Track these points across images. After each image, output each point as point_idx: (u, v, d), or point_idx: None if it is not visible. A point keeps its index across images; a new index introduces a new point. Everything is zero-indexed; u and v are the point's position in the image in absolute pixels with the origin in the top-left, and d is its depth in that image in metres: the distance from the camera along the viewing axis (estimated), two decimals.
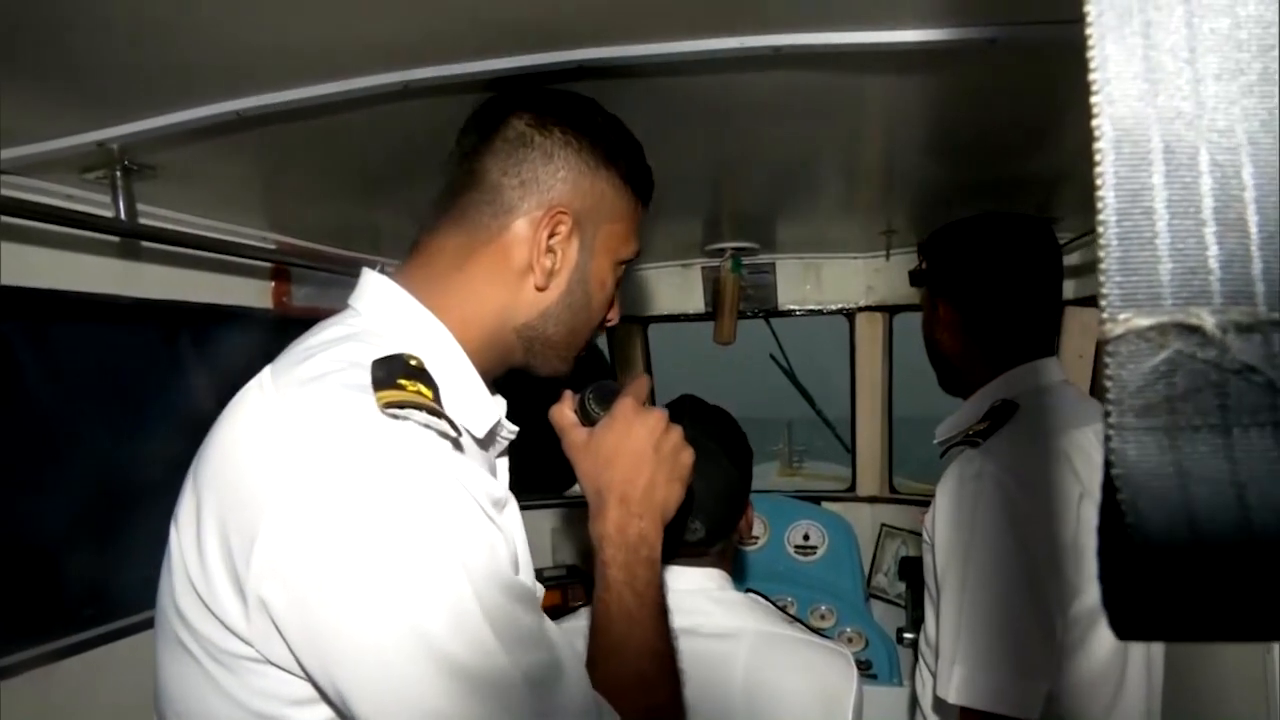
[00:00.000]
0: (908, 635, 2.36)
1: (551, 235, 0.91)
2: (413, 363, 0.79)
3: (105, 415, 1.67)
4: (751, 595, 1.40)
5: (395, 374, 0.76)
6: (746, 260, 2.63)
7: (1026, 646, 1.28)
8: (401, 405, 0.72)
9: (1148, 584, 0.25)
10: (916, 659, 1.56)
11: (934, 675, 1.38)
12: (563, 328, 0.96)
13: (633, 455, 0.97)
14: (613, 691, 0.84)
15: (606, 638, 0.91)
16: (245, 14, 0.84)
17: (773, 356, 3.36)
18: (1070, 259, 2.16)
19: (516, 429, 0.99)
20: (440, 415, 0.74)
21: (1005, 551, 1.29)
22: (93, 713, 1.43)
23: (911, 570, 2.57)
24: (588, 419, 1.04)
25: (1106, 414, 0.25)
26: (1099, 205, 0.26)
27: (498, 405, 0.93)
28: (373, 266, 0.93)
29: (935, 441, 1.59)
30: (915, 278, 2.49)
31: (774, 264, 2.77)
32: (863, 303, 2.82)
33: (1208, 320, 0.24)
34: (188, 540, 0.76)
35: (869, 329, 2.84)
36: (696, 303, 2.87)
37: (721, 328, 2.66)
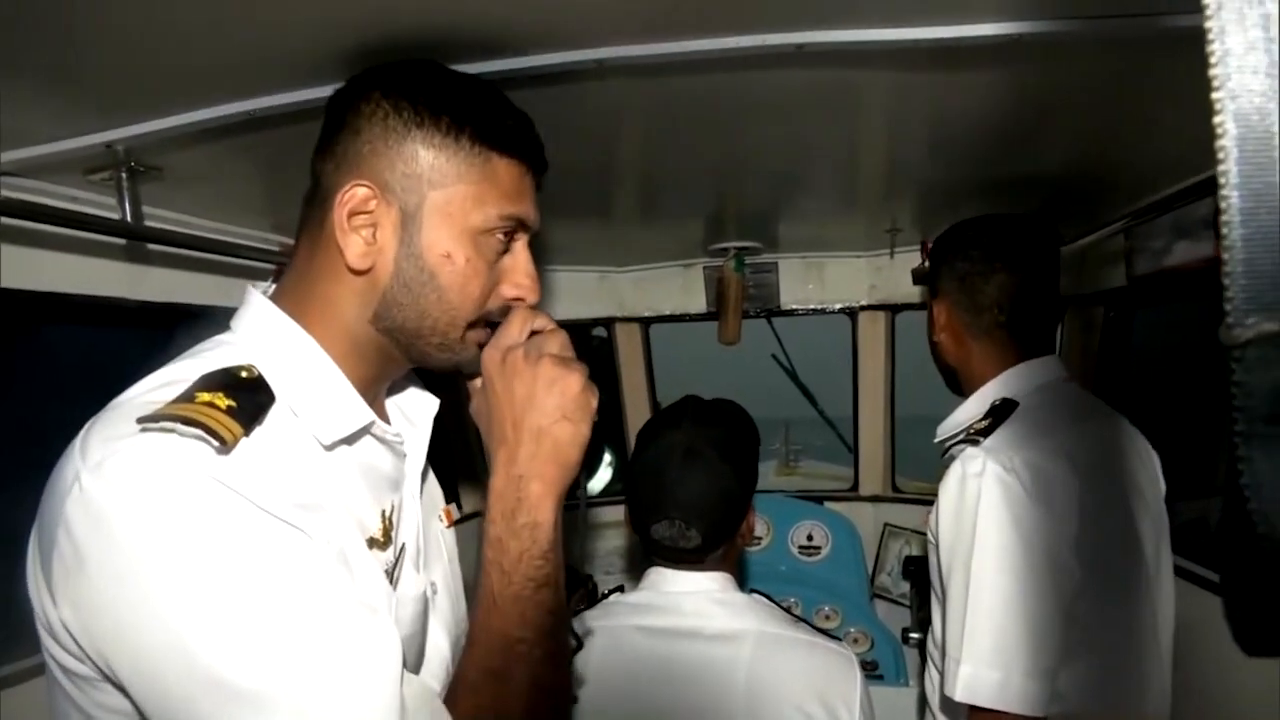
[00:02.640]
0: (913, 635, 2.36)
1: (357, 213, 0.83)
2: (243, 374, 0.78)
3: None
4: (755, 596, 1.40)
5: (201, 388, 0.74)
6: (749, 260, 2.63)
7: (1032, 643, 1.28)
8: (156, 418, 0.70)
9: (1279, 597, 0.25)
10: (925, 660, 1.55)
11: (942, 675, 1.37)
12: (411, 312, 0.86)
13: (505, 405, 0.87)
14: (461, 688, 0.82)
15: (470, 630, 0.85)
16: (254, 14, 0.83)
17: (774, 356, 3.35)
18: (1074, 256, 2.16)
19: (401, 432, 0.94)
20: (202, 425, 0.70)
21: (1008, 548, 1.30)
22: None
23: (916, 570, 2.57)
24: None
25: (1233, 420, 0.24)
26: (1222, 206, 0.24)
27: (363, 413, 0.87)
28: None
29: (936, 441, 1.59)
30: (918, 276, 2.49)
31: (776, 263, 2.77)
32: (865, 302, 2.81)
33: None
34: (31, 569, 0.76)
35: (872, 328, 2.84)
36: (699, 303, 2.86)
37: (726, 328, 2.65)
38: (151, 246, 1.51)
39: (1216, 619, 1.74)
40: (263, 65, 0.96)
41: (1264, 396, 0.23)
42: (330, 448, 0.85)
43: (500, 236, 0.88)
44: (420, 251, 0.85)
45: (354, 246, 0.83)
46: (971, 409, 1.53)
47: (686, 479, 1.31)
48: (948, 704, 1.35)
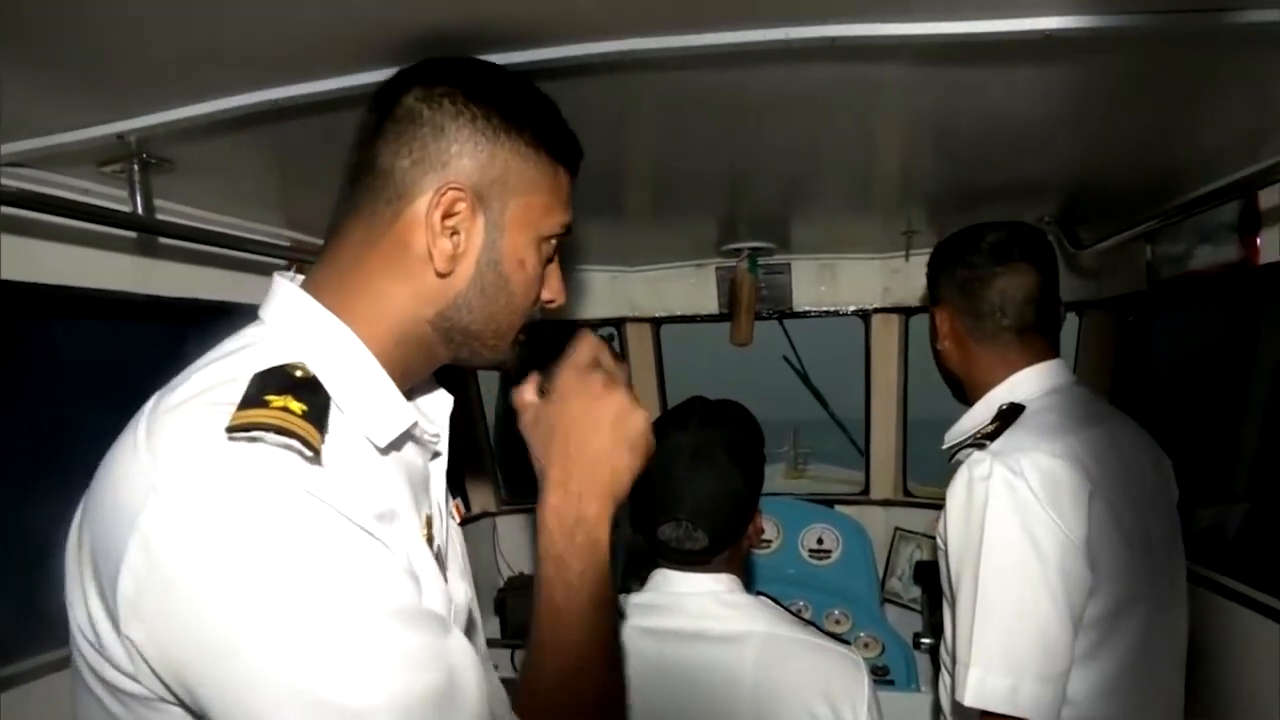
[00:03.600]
0: (924, 640, 2.34)
1: (448, 216, 0.83)
2: (297, 374, 0.75)
3: (121, 416, 1.64)
4: (762, 598, 1.39)
5: (267, 389, 0.72)
6: (762, 260, 2.62)
7: (1041, 648, 1.26)
8: (249, 428, 0.68)
9: None
10: (938, 666, 1.54)
11: (953, 680, 1.36)
12: (479, 315, 0.87)
13: (572, 426, 0.89)
14: (538, 704, 0.81)
15: (535, 638, 0.85)
16: (268, 3, 0.81)
17: (786, 358, 3.34)
18: (1093, 259, 2.14)
19: (439, 432, 0.94)
20: (294, 434, 0.69)
21: (1017, 553, 1.28)
22: None
23: (927, 575, 2.55)
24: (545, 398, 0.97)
25: None
26: None
27: (409, 412, 0.86)
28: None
29: (944, 447, 1.58)
30: None
31: (789, 264, 2.75)
32: (879, 304, 2.79)
33: None
34: (72, 579, 0.73)
35: (885, 330, 2.82)
36: (710, 303, 2.84)
37: (739, 329, 2.64)
38: (162, 240, 1.50)
39: (1230, 625, 1.72)
40: (278, 55, 0.95)
41: None
42: (384, 450, 0.84)
43: (553, 243, 0.91)
44: (500, 257, 0.86)
45: (444, 249, 0.83)
46: (979, 414, 1.52)
47: (695, 480, 1.30)
48: (960, 710, 1.33)
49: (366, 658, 0.66)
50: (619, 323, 2.97)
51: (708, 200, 2.00)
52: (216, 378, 0.74)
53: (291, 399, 0.72)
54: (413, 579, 0.76)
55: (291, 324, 0.83)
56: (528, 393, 0.95)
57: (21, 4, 0.78)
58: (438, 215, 0.82)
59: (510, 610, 2.65)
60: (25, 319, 1.49)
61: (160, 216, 1.39)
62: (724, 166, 1.64)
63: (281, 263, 1.70)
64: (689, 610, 1.32)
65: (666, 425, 1.38)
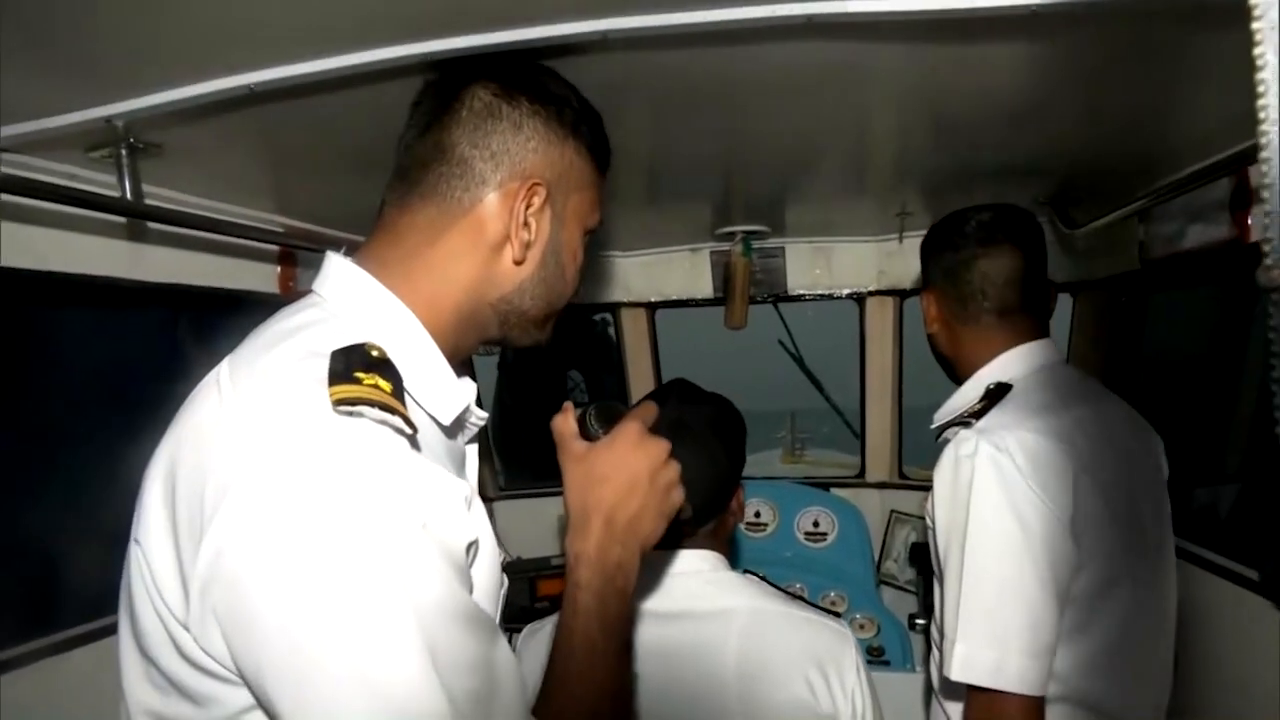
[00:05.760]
0: (919, 621, 2.36)
1: (527, 207, 0.89)
2: (374, 353, 0.77)
3: (112, 402, 1.65)
4: (747, 575, 1.41)
5: (353, 366, 0.73)
6: (756, 244, 2.61)
7: (1028, 623, 1.27)
8: (354, 402, 0.70)
9: None
10: (930, 646, 1.55)
11: (942, 656, 1.38)
12: (539, 301, 0.94)
13: (627, 479, 0.95)
14: None
15: (565, 667, 0.88)
16: None
17: (781, 342, 3.34)
18: (1087, 239, 2.14)
19: (485, 415, 0.97)
20: (395, 411, 0.71)
21: (1002, 529, 1.29)
22: (100, 705, 1.41)
23: (922, 556, 2.56)
24: (586, 434, 1.01)
25: (1270, 366, 0.23)
26: (1264, 169, 0.23)
27: (466, 391, 0.90)
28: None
29: (932, 427, 1.60)
30: None
31: (783, 248, 2.75)
32: (873, 287, 2.79)
33: None
34: (152, 545, 0.74)
35: (880, 313, 2.82)
36: (705, 287, 2.84)
37: (733, 312, 2.64)
38: (152, 225, 1.50)
39: (1220, 602, 1.73)
40: (265, 35, 0.95)
41: None
42: (450, 432, 0.88)
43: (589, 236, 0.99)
44: (560, 247, 0.94)
45: (523, 238, 0.89)
46: (967, 394, 1.53)
47: (676, 452, 1.31)
48: (949, 686, 1.35)
49: (429, 657, 0.67)
50: (614, 307, 2.97)
51: (701, 184, 1.99)
52: (300, 351, 0.76)
53: (379, 377, 0.74)
54: (485, 559, 0.80)
55: (355, 302, 0.85)
56: (571, 423, 1.00)
57: None
58: (521, 206, 0.88)
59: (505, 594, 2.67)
60: (17, 304, 1.49)
61: (149, 202, 1.38)
62: (717, 150, 1.64)
63: (272, 248, 1.70)
64: (674, 591, 1.33)
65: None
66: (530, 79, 0.92)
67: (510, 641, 0.82)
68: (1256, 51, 0.24)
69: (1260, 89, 0.23)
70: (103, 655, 1.42)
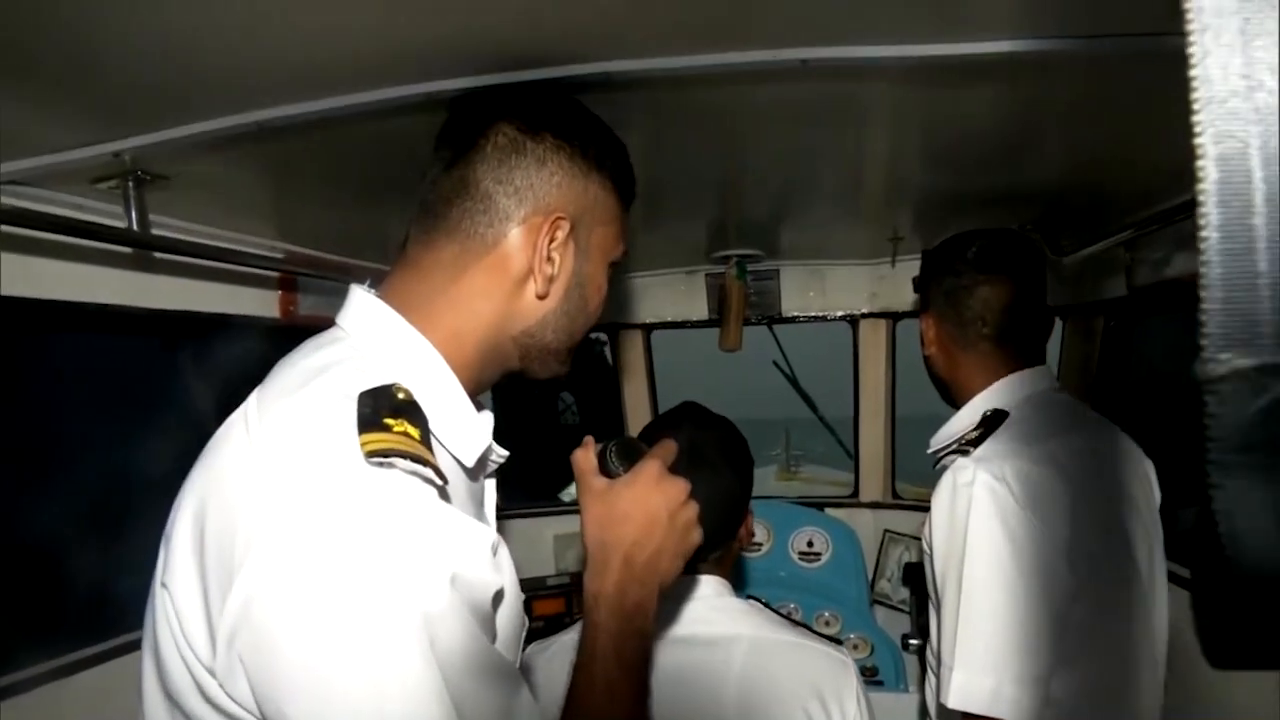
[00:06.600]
0: (913, 642, 2.36)
1: (551, 241, 0.89)
2: (400, 395, 0.76)
3: (117, 426, 1.66)
4: (751, 601, 1.40)
5: (382, 411, 0.73)
6: (751, 267, 2.64)
7: (1024, 650, 1.29)
8: (386, 454, 0.69)
9: (1244, 615, 0.26)
10: (925, 667, 1.56)
11: (939, 682, 1.39)
12: (561, 334, 0.94)
13: (648, 518, 0.94)
14: None
15: (584, 707, 0.87)
16: (263, 26, 0.83)
17: (776, 363, 3.36)
18: (1075, 266, 2.17)
19: (506, 453, 0.96)
20: (426, 462, 0.71)
21: (999, 557, 1.31)
22: None
23: (915, 576, 2.57)
24: (606, 471, 1.01)
25: (1206, 450, 0.25)
26: (1201, 245, 0.25)
27: (485, 427, 0.89)
28: (362, 281, 0.90)
29: (929, 452, 1.60)
30: (918, 286, 2.50)
31: (778, 270, 2.78)
32: (866, 310, 2.83)
33: None
34: (179, 591, 0.74)
35: (872, 336, 2.85)
36: (700, 309, 2.87)
37: (728, 335, 2.67)
38: (158, 255, 1.51)
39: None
40: (273, 76, 0.97)
41: (1235, 428, 0.24)
42: (472, 474, 0.87)
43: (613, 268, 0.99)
44: (585, 280, 0.94)
45: (546, 273, 0.89)
46: (963, 420, 1.54)
47: (690, 481, 1.32)
48: (944, 712, 1.36)
49: (454, 712, 0.67)
50: (610, 329, 3.00)
51: (697, 209, 2.02)
52: (328, 392, 0.75)
53: (407, 423, 0.74)
54: (509, 605, 0.80)
55: (379, 339, 0.85)
56: (591, 458, 1.00)
57: (17, 27, 0.80)
58: (545, 240, 0.88)
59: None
60: (24, 334, 1.51)
61: (155, 231, 1.40)
62: (713, 177, 1.67)
63: (272, 274, 1.72)
64: (678, 616, 1.32)
65: (659, 429, 1.40)
66: (555, 114, 0.92)
67: None
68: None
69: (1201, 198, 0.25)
70: (106, 680, 1.44)
